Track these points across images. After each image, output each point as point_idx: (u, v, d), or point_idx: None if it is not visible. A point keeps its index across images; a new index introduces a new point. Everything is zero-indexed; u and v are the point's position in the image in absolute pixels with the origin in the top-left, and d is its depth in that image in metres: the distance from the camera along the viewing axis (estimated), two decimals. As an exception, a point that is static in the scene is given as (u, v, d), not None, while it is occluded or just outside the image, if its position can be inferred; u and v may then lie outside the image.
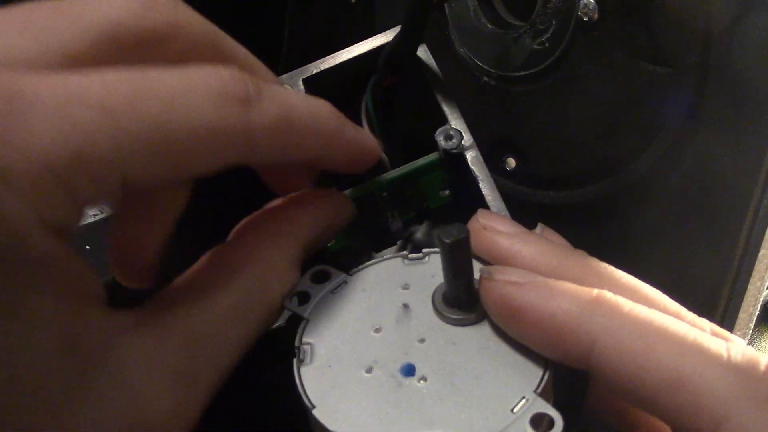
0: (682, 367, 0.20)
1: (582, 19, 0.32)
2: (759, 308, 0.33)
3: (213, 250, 0.24)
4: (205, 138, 0.20)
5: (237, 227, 0.26)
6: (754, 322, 0.33)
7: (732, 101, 0.30)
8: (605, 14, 0.31)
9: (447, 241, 0.22)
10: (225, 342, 0.22)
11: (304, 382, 0.23)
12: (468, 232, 0.23)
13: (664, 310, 0.22)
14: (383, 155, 0.30)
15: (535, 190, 0.38)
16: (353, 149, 0.26)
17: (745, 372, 0.19)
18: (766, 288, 0.32)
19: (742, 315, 0.32)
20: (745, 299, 0.32)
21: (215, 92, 0.20)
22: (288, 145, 0.23)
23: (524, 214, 0.28)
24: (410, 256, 0.27)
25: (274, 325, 0.33)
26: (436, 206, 0.31)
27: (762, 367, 0.20)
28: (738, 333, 0.32)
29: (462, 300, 0.24)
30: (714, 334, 0.22)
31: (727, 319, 0.32)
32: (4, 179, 0.16)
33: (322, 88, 0.32)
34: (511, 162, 0.38)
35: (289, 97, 0.23)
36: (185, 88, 0.20)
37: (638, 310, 0.21)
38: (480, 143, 0.30)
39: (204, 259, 0.24)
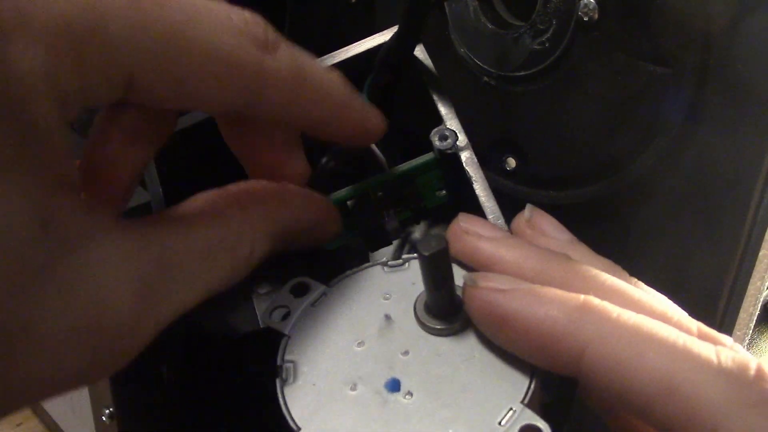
0: (672, 373, 0.19)
1: (582, 19, 0.32)
2: (759, 308, 0.33)
3: (197, 195, 0.24)
4: (217, 63, 0.20)
5: (228, 185, 0.26)
6: (754, 322, 0.33)
7: (732, 101, 0.30)
8: (605, 14, 0.31)
9: (426, 253, 0.22)
10: (191, 275, 0.21)
11: (288, 403, 0.23)
12: (447, 242, 0.22)
13: (650, 311, 0.22)
14: (380, 156, 0.30)
15: (535, 190, 0.38)
16: (360, 120, 0.26)
17: (736, 377, 0.19)
18: (766, 288, 0.32)
19: (742, 315, 0.32)
20: (745, 299, 0.32)
21: (236, 26, 0.21)
22: (297, 102, 0.23)
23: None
24: (390, 263, 0.27)
25: (259, 327, 0.32)
26: (433, 206, 0.31)
27: (752, 371, 0.19)
28: (738, 333, 0.32)
29: (444, 310, 0.24)
30: (701, 335, 0.22)
31: (727, 319, 0.32)
32: (26, 27, 0.16)
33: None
34: (511, 162, 0.38)
35: (304, 56, 0.23)
36: (209, 11, 0.20)
37: (626, 316, 0.21)
38: (480, 143, 0.30)
39: (192, 197, 0.24)
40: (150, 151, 0.24)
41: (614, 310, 0.21)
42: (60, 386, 0.19)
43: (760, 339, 0.37)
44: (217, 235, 0.22)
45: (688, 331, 0.22)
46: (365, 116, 0.26)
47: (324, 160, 0.29)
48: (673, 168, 0.32)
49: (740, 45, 0.29)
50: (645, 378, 0.20)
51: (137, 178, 0.25)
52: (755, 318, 0.33)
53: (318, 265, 0.28)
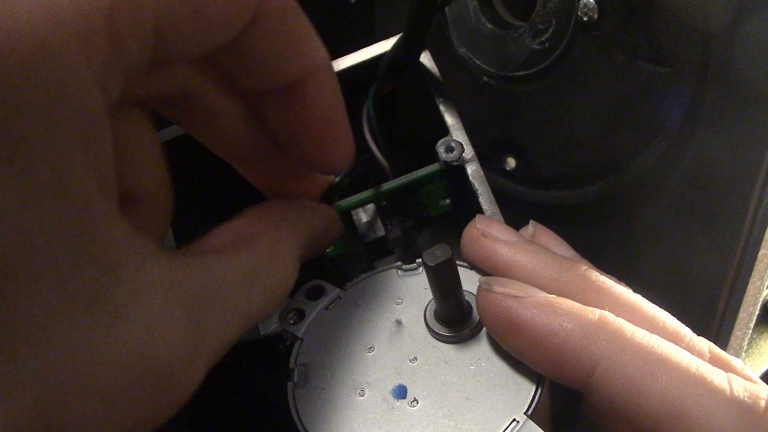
0: (684, 398, 0.20)
1: (582, 19, 0.32)
2: (759, 308, 0.33)
3: (224, 223, 0.24)
4: None
5: (246, 210, 0.25)
6: (754, 321, 0.33)
7: (732, 101, 0.30)
8: (605, 14, 0.31)
9: (431, 264, 0.22)
10: (232, 305, 0.20)
11: (299, 406, 0.23)
12: (451, 253, 0.22)
13: (663, 329, 0.22)
14: (384, 162, 0.30)
15: (535, 190, 0.38)
16: (337, 123, 0.24)
17: (748, 407, 0.19)
18: (766, 288, 0.32)
19: (742, 315, 0.32)
20: (744, 299, 0.31)
21: None
22: (283, 52, 0.21)
23: (524, 214, 0.28)
24: (404, 267, 0.27)
25: (269, 331, 0.33)
26: (436, 215, 0.31)
27: (763, 402, 0.20)
28: (738, 333, 0.32)
29: (453, 317, 0.24)
30: (714, 358, 0.22)
31: (727, 319, 0.32)
32: (55, 19, 0.14)
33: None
34: (511, 162, 0.38)
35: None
36: None
37: (640, 336, 0.21)
38: (480, 143, 0.30)
39: (216, 229, 0.23)
40: (153, 153, 0.24)
41: (629, 328, 0.21)
42: None
43: (760, 339, 0.37)
44: (251, 263, 0.22)
45: (700, 354, 0.22)
46: (345, 129, 0.24)
47: (338, 178, 0.29)
48: (673, 168, 0.32)
49: (740, 45, 0.29)
50: (655, 400, 0.20)
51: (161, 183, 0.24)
52: (755, 318, 0.33)
53: (321, 271, 0.28)
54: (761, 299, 0.32)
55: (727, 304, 0.32)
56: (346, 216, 0.30)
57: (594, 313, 0.21)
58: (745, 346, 0.33)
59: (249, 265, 0.22)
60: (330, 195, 0.28)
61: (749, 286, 0.31)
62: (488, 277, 0.24)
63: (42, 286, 0.14)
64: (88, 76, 0.15)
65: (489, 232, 0.25)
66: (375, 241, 0.30)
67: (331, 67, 0.23)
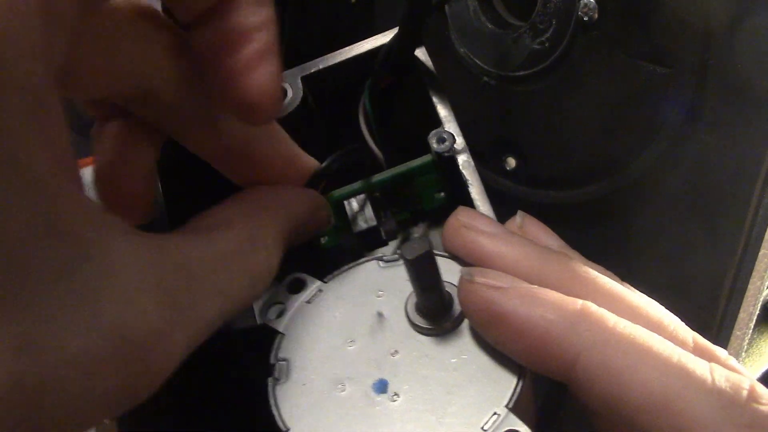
0: (665, 388, 0.20)
1: (582, 18, 0.32)
2: (759, 308, 0.33)
3: (202, 212, 0.23)
4: None
5: (230, 197, 0.25)
6: (754, 321, 0.33)
7: (732, 101, 0.30)
8: (605, 14, 0.31)
9: (409, 257, 0.22)
10: (212, 286, 0.20)
11: (279, 403, 0.23)
12: (431, 245, 0.22)
13: (647, 319, 0.22)
14: (380, 155, 0.30)
15: (535, 189, 0.38)
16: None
17: (729, 398, 0.19)
18: (766, 288, 0.32)
19: (742, 315, 0.32)
20: (745, 299, 0.32)
21: None
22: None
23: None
24: (385, 257, 0.27)
25: (253, 323, 0.32)
26: (431, 208, 0.31)
27: (745, 391, 0.20)
28: (738, 333, 0.32)
29: (434, 310, 0.24)
30: (697, 347, 0.22)
31: (727, 319, 0.32)
32: None
33: (321, 87, 0.31)
34: (511, 162, 0.38)
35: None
36: None
37: (623, 326, 0.21)
38: (480, 143, 0.30)
39: (195, 216, 0.23)
40: (152, 153, 0.24)
41: (611, 318, 0.21)
42: (88, 417, 0.16)
43: (760, 339, 0.37)
44: (229, 245, 0.21)
45: (683, 343, 0.22)
46: (269, 58, 0.22)
47: (325, 164, 0.29)
48: (673, 168, 0.32)
49: (740, 45, 0.29)
50: (637, 390, 0.20)
51: (149, 186, 0.24)
52: (755, 318, 0.33)
53: (316, 262, 0.28)
54: (761, 299, 0.32)
55: (727, 303, 0.32)
56: (340, 206, 0.30)
57: (576, 303, 0.21)
58: (746, 346, 0.33)
59: (227, 246, 0.21)
60: (315, 181, 0.28)
61: (749, 286, 0.31)
62: (470, 268, 0.24)
63: (6, 258, 0.14)
64: (27, 47, 0.14)
65: (471, 224, 0.25)
66: (367, 232, 0.30)
67: None
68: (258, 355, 0.27)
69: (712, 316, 0.32)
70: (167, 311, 0.18)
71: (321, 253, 0.30)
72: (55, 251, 0.15)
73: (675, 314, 0.24)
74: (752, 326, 0.33)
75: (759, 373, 0.38)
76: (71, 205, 0.16)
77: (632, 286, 0.25)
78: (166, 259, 0.19)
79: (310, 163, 0.28)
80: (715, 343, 0.24)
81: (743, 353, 0.34)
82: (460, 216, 0.25)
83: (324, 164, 0.28)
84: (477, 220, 0.25)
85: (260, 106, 0.22)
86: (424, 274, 0.23)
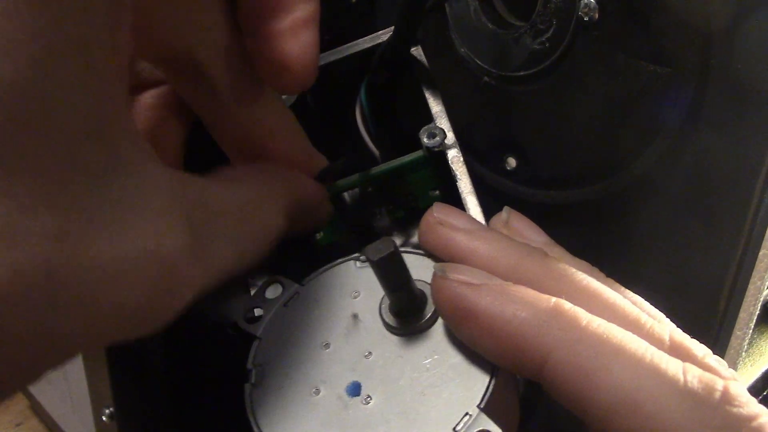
0: (637, 389, 0.19)
1: (582, 19, 0.32)
2: (759, 308, 0.33)
3: (221, 168, 0.24)
4: None
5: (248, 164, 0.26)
6: (754, 321, 0.33)
7: (732, 101, 0.30)
8: (605, 14, 0.31)
9: (374, 258, 0.22)
10: (226, 232, 0.20)
11: (254, 407, 0.23)
12: (394, 245, 0.22)
13: (623, 317, 0.22)
14: (375, 151, 0.30)
15: (535, 190, 0.38)
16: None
17: (701, 399, 0.19)
18: (766, 288, 0.32)
19: (742, 315, 0.32)
20: (745, 299, 0.31)
21: None
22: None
23: (524, 214, 0.28)
24: (361, 258, 0.26)
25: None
26: (426, 206, 0.31)
27: (717, 394, 0.19)
28: (738, 333, 0.32)
29: (405, 310, 0.24)
30: (673, 344, 0.22)
31: (727, 319, 0.32)
32: None
33: (321, 84, 0.32)
34: (511, 162, 0.38)
35: None
36: None
37: (596, 324, 0.21)
38: (480, 143, 0.30)
39: (216, 168, 0.23)
40: (182, 131, 0.25)
41: (584, 317, 0.21)
42: (102, 331, 0.16)
43: (760, 339, 0.37)
44: (244, 198, 0.22)
45: (659, 341, 0.21)
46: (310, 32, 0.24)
47: (338, 161, 0.29)
48: (673, 168, 0.32)
49: (740, 45, 0.29)
50: (608, 391, 0.19)
51: (179, 153, 0.24)
52: (755, 318, 0.33)
53: (312, 262, 0.28)
54: (761, 299, 0.32)
55: (727, 303, 0.32)
56: (335, 199, 0.30)
57: (549, 301, 0.21)
58: (746, 346, 0.33)
59: (243, 197, 0.22)
60: (322, 176, 0.28)
61: (750, 286, 0.31)
62: (443, 264, 0.23)
63: (54, 142, 0.14)
64: None
65: (446, 220, 0.25)
66: (361, 226, 0.30)
67: None
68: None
69: (712, 316, 0.32)
70: (192, 244, 0.18)
71: (314, 251, 0.30)
72: (102, 156, 0.15)
73: (675, 314, 0.24)
74: (752, 326, 0.33)
75: (759, 373, 0.38)
76: (122, 118, 0.16)
77: (632, 286, 0.25)
78: (190, 193, 0.19)
79: (322, 161, 0.28)
80: (715, 342, 0.23)
81: (743, 353, 0.34)
82: (436, 212, 0.25)
83: (334, 163, 0.29)
84: (452, 217, 0.25)
85: (297, 71, 0.23)
86: (390, 275, 0.23)
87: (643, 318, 0.22)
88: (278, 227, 0.23)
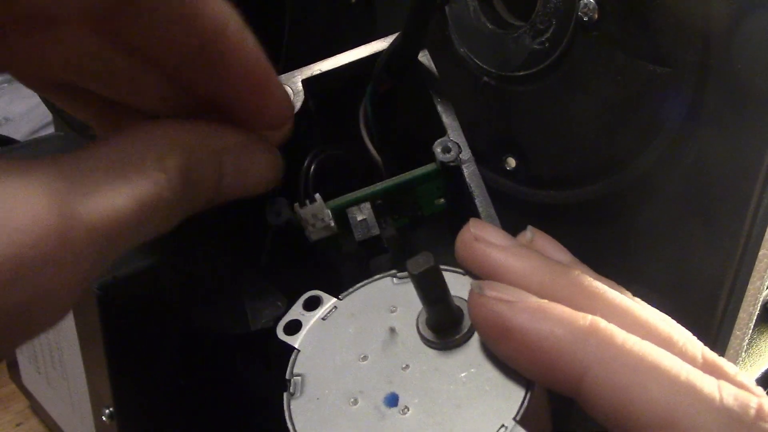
0: (673, 406, 0.19)
1: (582, 19, 0.32)
2: (759, 308, 0.33)
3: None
4: None
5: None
6: (754, 321, 0.33)
7: (732, 101, 0.30)
8: (605, 14, 0.31)
9: (414, 272, 0.22)
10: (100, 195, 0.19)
11: (293, 417, 0.24)
12: (434, 260, 0.22)
13: (657, 335, 0.22)
14: (378, 159, 0.30)
15: (535, 190, 0.38)
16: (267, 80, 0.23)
17: (737, 416, 0.19)
18: (766, 288, 0.32)
19: (742, 315, 0.32)
20: (744, 299, 0.31)
21: None
22: (184, 11, 0.21)
23: (524, 214, 0.28)
24: (398, 275, 0.27)
25: (258, 326, 0.33)
26: (430, 213, 0.31)
27: (752, 411, 0.19)
28: (738, 333, 0.32)
29: (443, 324, 0.24)
30: (706, 362, 0.22)
31: (727, 319, 0.32)
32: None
33: (322, 90, 0.32)
34: (511, 162, 0.38)
35: None
36: None
37: (632, 342, 0.21)
38: (480, 143, 0.30)
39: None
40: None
41: (620, 335, 0.21)
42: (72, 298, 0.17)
43: (760, 339, 0.37)
44: (121, 152, 0.20)
45: (693, 359, 0.22)
46: (274, 81, 0.24)
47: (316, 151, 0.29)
48: (673, 168, 0.32)
49: (740, 45, 0.29)
50: (644, 409, 0.20)
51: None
52: (755, 318, 0.33)
53: (325, 277, 0.28)
54: (761, 299, 0.32)
55: (727, 304, 0.32)
56: (342, 214, 0.30)
57: (585, 318, 0.21)
58: (745, 346, 0.33)
59: (116, 152, 0.20)
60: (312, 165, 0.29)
61: (749, 286, 0.31)
62: (480, 281, 0.24)
63: None
64: None
65: (482, 236, 0.25)
66: (370, 239, 0.30)
67: (240, 20, 0.22)
68: (251, 359, 0.27)
69: (712, 316, 0.32)
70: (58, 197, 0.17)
71: (337, 271, 0.30)
72: None
73: (675, 315, 0.24)
74: (752, 326, 0.33)
75: (759, 373, 0.38)
76: None
77: (632, 286, 0.25)
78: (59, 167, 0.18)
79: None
80: (715, 343, 0.24)
81: (743, 353, 0.34)
82: (472, 228, 0.25)
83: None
84: (488, 233, 0.25)
85: (284, 118, 0.25)
86: (429, 288, 0.23)
87: (676, 335, 0.23)
88: (164, 186, 0.21)
